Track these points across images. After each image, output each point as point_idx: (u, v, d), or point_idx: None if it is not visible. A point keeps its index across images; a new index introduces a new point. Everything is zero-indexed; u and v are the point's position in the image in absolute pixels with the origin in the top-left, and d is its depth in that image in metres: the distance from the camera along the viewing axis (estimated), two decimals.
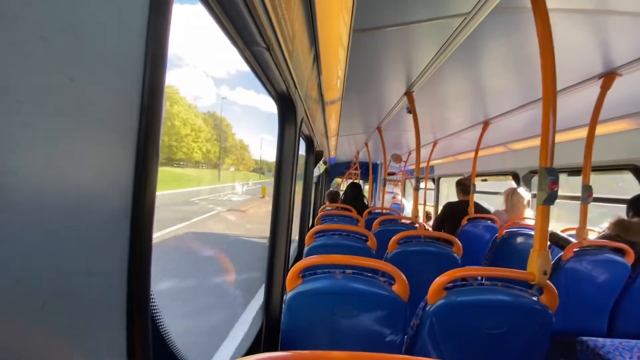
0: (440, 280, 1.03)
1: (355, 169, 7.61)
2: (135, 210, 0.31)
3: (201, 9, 0.51)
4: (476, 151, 3.11)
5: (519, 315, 1.03)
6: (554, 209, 1.17)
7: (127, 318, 0.32)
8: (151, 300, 0.37)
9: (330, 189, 6.38)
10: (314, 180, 4.27)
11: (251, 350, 1.12)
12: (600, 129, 1.80)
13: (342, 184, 8.88)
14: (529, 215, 2.62)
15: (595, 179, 1.90)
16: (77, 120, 0.25)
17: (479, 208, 2.87)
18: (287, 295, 1.06)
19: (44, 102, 0.22)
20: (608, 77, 1.53)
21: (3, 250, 0.21)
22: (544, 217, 1.09)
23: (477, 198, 3.00)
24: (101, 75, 0.27)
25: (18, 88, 0.21)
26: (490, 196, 4.18)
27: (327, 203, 4.08)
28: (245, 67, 0.79)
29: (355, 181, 4.67)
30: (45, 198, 0.23)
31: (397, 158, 5.64)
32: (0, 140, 0.20)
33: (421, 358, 0.44)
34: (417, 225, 2.53)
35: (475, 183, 2.99)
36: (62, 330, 0.26)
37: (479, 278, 1.40)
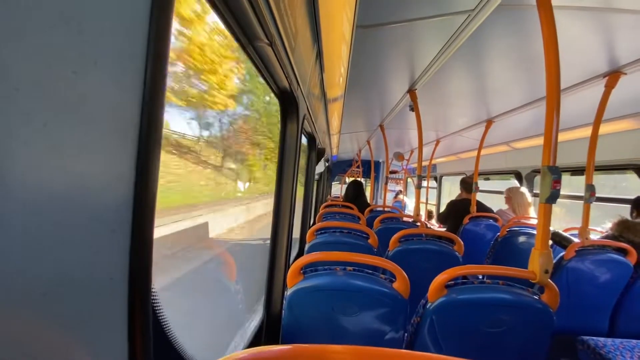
0: (440, 278, 1.02)
1: (357, 167, 7.60)
2: (137, 205, 0.31)
3: (203, 4, 0.51)
4: (479, 150, 3.10)
5: (519, 314, 1.02)
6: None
7: (128, 312, 0.32)
8: (152, 294, 0.37)
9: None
10: (316, 177, 4.27)
11: (251, 346, 1.13)
12: (603, 128, 1.78)
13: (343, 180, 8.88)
14: (533, 215, 2.61)
15: (598, 179, 1.89)
16: (78, 116, 0.25)
17: (482, 207, 2.87)
18: (288, 292, 1.06)
19: (46, 98, 0.22)
20: (613, 75, 1.52)
21: (4, 244, 0.21)
22: (545, 216, 1.08)
23: (482, 199, 2.99)
24: (103, 71, 0.27)
25: (19, 84, 0.21)
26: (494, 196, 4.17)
27: (330, 199, 4.09)
28: None
29: (357, 179, 4.66)
30: (46, 193, 0.23)
31: (399, 156, 5.63)
32: (0, 135, 0.20)
33: (418, 352, 0.44)
34: (418, 223, 2.52)
35: (479, 182, 2.98)
36: (63, 324, 0.26)
37: (480, 276, 1.40)
